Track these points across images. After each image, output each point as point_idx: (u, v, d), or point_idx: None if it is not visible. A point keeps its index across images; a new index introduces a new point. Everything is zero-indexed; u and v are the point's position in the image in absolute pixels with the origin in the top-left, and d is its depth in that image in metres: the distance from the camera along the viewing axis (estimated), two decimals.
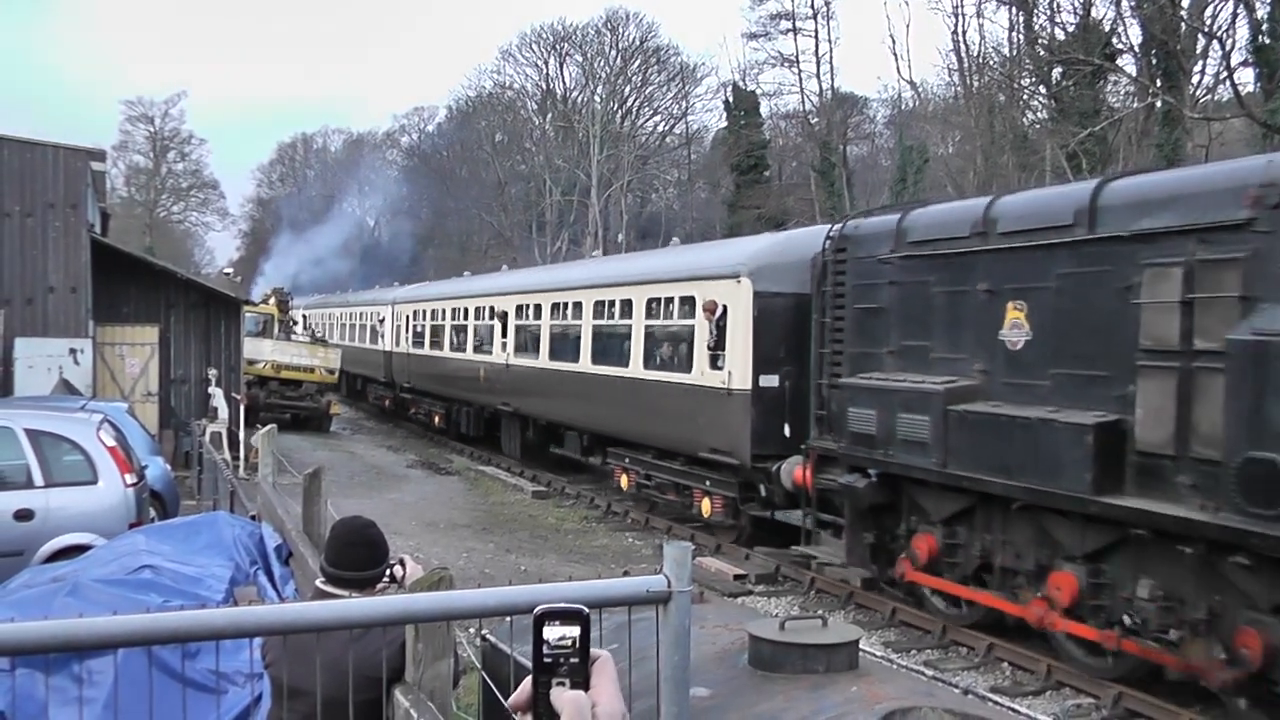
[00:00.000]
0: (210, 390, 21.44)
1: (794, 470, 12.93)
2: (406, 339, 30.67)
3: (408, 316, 30.76)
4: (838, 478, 11.98)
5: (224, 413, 20.87)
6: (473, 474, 22.93)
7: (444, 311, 27.39)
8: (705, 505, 14.96)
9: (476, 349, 24.54)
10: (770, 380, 13.76)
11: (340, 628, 2.54)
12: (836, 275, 12.49)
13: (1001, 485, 9.60)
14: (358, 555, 3.95)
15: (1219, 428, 7.78)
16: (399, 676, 3.52)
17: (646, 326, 16.59)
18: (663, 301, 16.22)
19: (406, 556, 4.21)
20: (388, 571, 4.01)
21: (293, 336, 33.08)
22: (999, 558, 10.25)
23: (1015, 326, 9.97)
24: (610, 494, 18.47)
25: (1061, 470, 8.92)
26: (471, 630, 7.72)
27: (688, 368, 15.23)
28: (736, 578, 13.11)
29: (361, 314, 36.80)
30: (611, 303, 17.80)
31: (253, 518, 8.74)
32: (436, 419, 28.44)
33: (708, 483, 14.98)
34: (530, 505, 19.15)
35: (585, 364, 18.50)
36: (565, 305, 19.69)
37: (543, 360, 20.43)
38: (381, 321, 33.49)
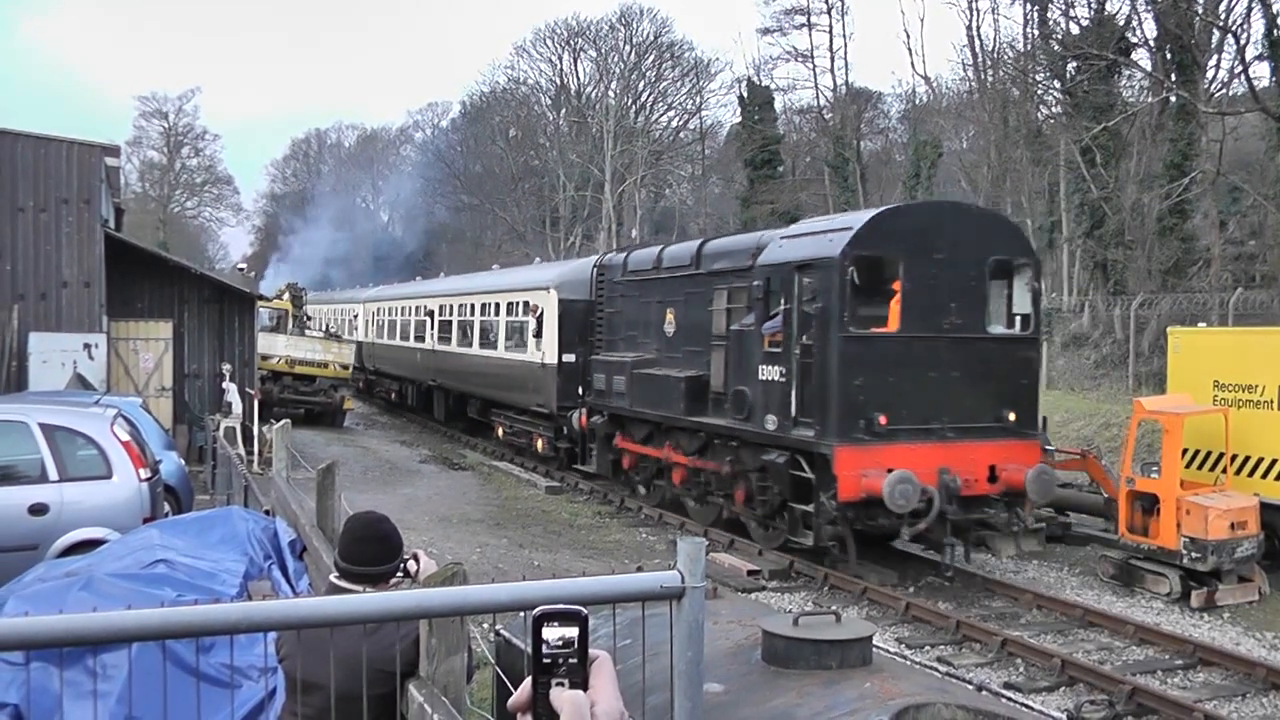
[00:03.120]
0: (224, 385, 21.48)
1: (578, 417, 19.22)
2: (373, 331, 37.05)
3: (374, 312, 37.30)
4: (592, 419, 18.47)
5: (238, 408, 20.92)
6: (486, 469, 22.98)
7: (397, 309, 34.06)
8: (539, 444, 21.74)
9: (416, 338, 31.05)
10: (569, 357, 20.01)
11: (354, 623, 2.53)
12: (598, 290, 19.36)
13: (654, 415, 16.33)
14: (371, 550, 3.94)
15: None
16: (413, 671, 3.52)
17: (506, 321, 23.37)
18: (514, 304, 22.95)
19: (420, 551, 4.20)
20: (402, 566, 4.01)
21: (306, 332, 33.12)
22: (661, 460, 16.53)
23: (669, 324, 16.54)
24: (621, 489, 18.58)
25: (673, 403, 15.55)
26: (485, 625, 7.74)
27: (524, 349, 21.86)
28: (750, 573, 13.13)
29: (342, 310, 43.07)
30: (489, 304, 24.81)
31: (267, 513, 8.76)
32: (393, 395, 35.60)
33: (540, 428, 21.56)
34: (543, 500, 19.19)
35: (475, 349, 25.48)
36: (465, 305, 26.77)
37: (453, 346, 27.39)
38: (355, 317, 39.90)
